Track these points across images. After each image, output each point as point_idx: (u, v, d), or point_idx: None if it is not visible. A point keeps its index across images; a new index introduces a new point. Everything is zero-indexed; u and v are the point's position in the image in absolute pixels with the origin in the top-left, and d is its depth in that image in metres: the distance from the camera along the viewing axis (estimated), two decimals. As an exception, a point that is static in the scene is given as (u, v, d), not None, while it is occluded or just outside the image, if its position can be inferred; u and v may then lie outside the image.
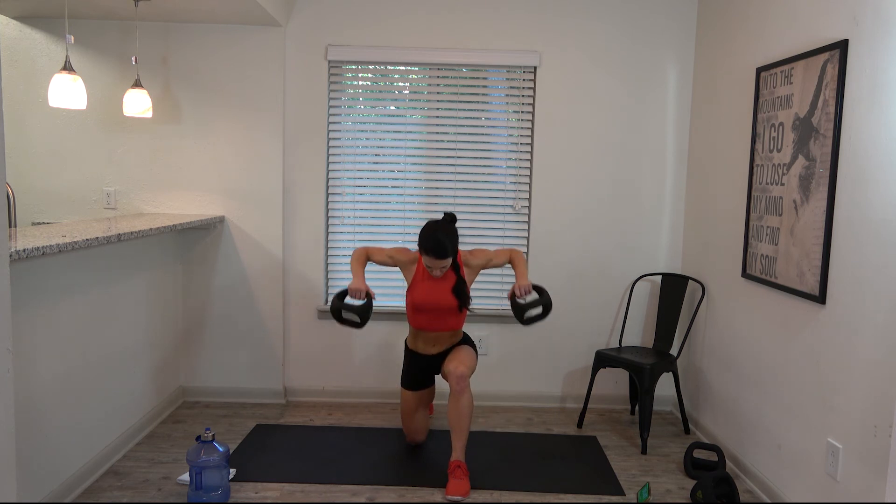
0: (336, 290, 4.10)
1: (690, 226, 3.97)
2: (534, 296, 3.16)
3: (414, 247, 4.04)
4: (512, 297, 3.17)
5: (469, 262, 3.30)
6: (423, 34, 3.94)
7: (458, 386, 3.05)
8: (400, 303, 4.08)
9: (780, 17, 2.96)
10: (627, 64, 3.97)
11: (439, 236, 3.07)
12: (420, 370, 3.36)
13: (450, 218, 3.23)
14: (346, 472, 3.16)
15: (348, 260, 4.09)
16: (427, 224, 3.17)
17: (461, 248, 4.03)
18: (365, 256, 3.31)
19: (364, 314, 3.19)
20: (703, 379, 3.70)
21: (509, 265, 3.37)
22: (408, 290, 3.31)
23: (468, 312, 3.38)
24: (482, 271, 3.63)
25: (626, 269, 4.09)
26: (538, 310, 3.16)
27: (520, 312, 3.16)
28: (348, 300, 3.22)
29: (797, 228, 2.74)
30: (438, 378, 4.00)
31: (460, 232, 4.03)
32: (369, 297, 3.19)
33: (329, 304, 3.14)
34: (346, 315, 3.18)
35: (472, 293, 3.93)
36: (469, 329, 4.03)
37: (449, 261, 3.12)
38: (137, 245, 3.41)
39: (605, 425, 3.86)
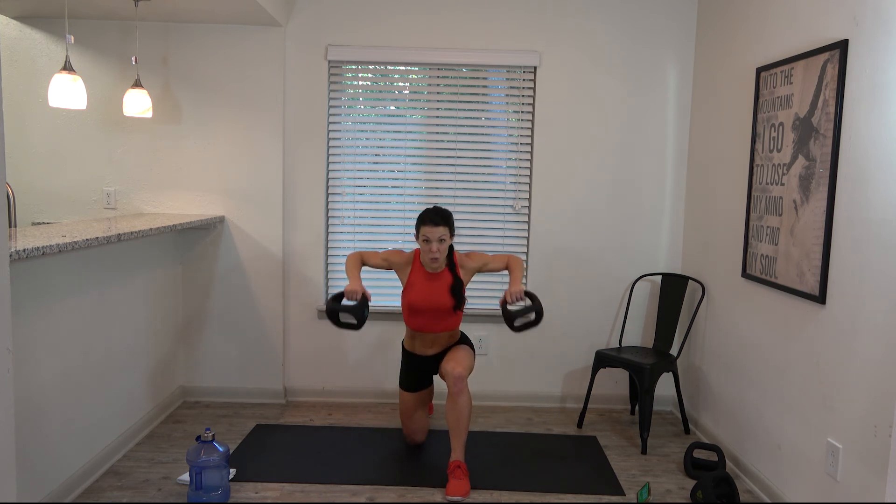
0: (335, 292, 4.11)
1: (690, 226, 3.97)
2: (525, 302, 3.16)
3: (410, 248, 4.05)
4: (503, 303, 3.13)
5: (465, 264, 3.31)
6: (423, 34, 3.94)
7: (456, 387, 3.05)
8: (398, 302, 4.08)
9: (780, 17, 2.96)
10: (627, 64, 3.97)
11: (435, 208, 3.20)
12: (418, 371, 3.36)
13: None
14: (346, 472, 3.16)
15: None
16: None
17: (458, 248, 4.03)
18: (360, 260, 3.33)
19: (361, 315, 3.14)
20: (703, 379, 3.70)
21: (506, 271, 3.35)
22: (403, 292, 3.31)
23: (463, 314, 3.39)
24: (479, 274, 3.57)
25: (626, 269, 4.09)
26: (530, 317, 3.11)
27: (510, 319, 3.10)
28: (344, 302, 3.19)
29: (797, 228, 2.74)
30: (437, 378, 4.00)
31: (460, 232, 4.03)
32: (365, 298, 3.15)
33: (325, 306, 3.12)
34: (343, 318, 3.14)
35: (470, 293, 3.93)
36: (469, 329, 4.03)
37: (446, 231, 3.14)
38: (137, 245, 3.41)
39: (605, 425, 3.86)
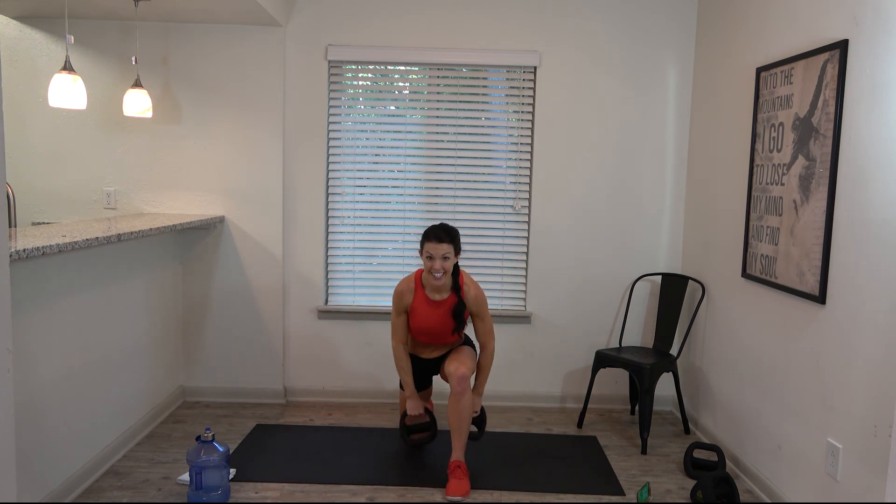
0: (336, 294, 4.11)
1: (690, 226, 3.97)
2: (475, 415, 3.30)
3: (408, 255, 4.05)
4: None
5: (470, 292, 3.15)
6: (423, 34, 3.94)
7: (460, 387, 3.05)
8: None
9: (780, 17, 2.96)
10: (627, 64, 3.97)
11: (440, 224, 3.11)
12: (419, 373, 3.36)
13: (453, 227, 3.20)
14: (346, 472, 3.16)
15: (349, 260, 4.09)
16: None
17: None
18: (403, 348, 3.24)
19: (434, 433, 3.35)
20: (703, 379, 3.70)
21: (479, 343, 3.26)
22: (408, 314, 3.23)
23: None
24: (477, 277, 3.50)
25: (626, 269, 4.09)
26: (473, 433, 3.28)
27: None
28: (412, 423, 3.34)
29: (797, 228, 2.74)
30: (436, 378, 4.00)
31: (461, 232, 4.02)
32: (430, 413, 3.32)
33: (399, 436, 3.41)
34: (417, 439, 3.36)
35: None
36: (469, 329, 4.02)
37: (450, 249, 3.04)
38: (137, 245, 3.41)
39: (605, 425, 3.86)
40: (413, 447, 3.41)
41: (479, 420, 3.33)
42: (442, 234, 3.05)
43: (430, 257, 3.05)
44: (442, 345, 3.29)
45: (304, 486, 3.02)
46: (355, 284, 4.11)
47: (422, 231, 4.03)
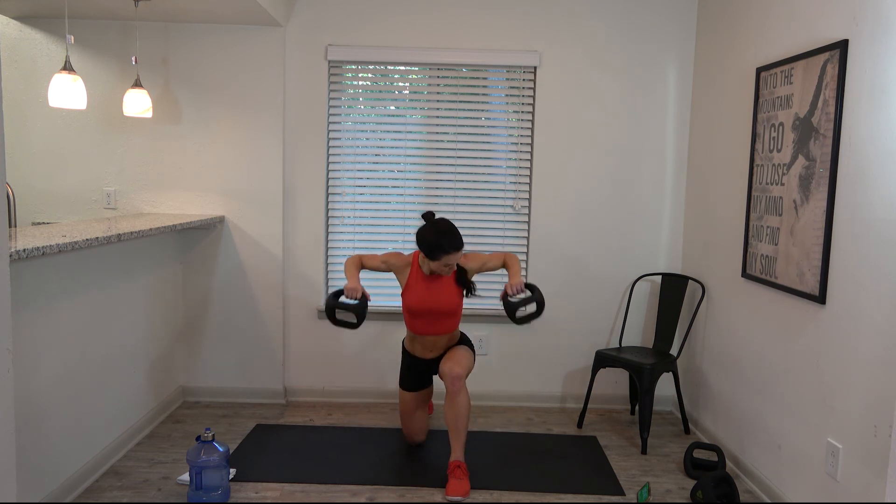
0: (334, 289, 4.11)
1: (690, 226, 3.97)
2: (526, 294, 3.14)
3: (408, 250, 4.05)
4: (504, 296, 3.11)
5: (465, 265, 3.27)
6: (423, 34, 3.94)
7: (454, 386, 3.05)
8: (398, 302, 4.08)
9: (780, 17, 2.96)
10: (627, 64, 3.97)
11: (448, 230, 3.09)
12: (418, 372, 3.37)
13: (431, 215, 3.21)
14: (346, 472, 3.16)
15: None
16: (424, 230, 3.13)
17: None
18: (359, 262, 3.30)
19: (360, 314, 3.16)
20: (703, 379, 3.70)
21: (504, 269, 3.33)
22: (402, 294, 3.29)
23: (468, 306, 3.35)
24: (478, 274, 3.54)
25: (626, 269, 4.09)
26: (531, 307, 3.12)
27: (512, 311, 3.10)
28: (343, 300, 3.18)
29: (797, 228, 2.74)
30: (436, 378, 4.00)
31: (461, 234, 4.02)
32: (365, 297, 3.16)
33: (324, 304, 3.14)
34: (340, 315, 3.14)
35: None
36: (469, 329, 4.03)
37: (462, 250, 3.13)
38: (137, 245, 3.41)
39: (605, 425, 3.86)
40: (331, 321, 3.18)
41: (537, 296, 3.13)
42: (458, 242, 3.09)
43: (447, 264, 3.11)
44: (440, 336, 3.29)
45: (304, 486, 3.02)
46: (355, 284, 4.11)
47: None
